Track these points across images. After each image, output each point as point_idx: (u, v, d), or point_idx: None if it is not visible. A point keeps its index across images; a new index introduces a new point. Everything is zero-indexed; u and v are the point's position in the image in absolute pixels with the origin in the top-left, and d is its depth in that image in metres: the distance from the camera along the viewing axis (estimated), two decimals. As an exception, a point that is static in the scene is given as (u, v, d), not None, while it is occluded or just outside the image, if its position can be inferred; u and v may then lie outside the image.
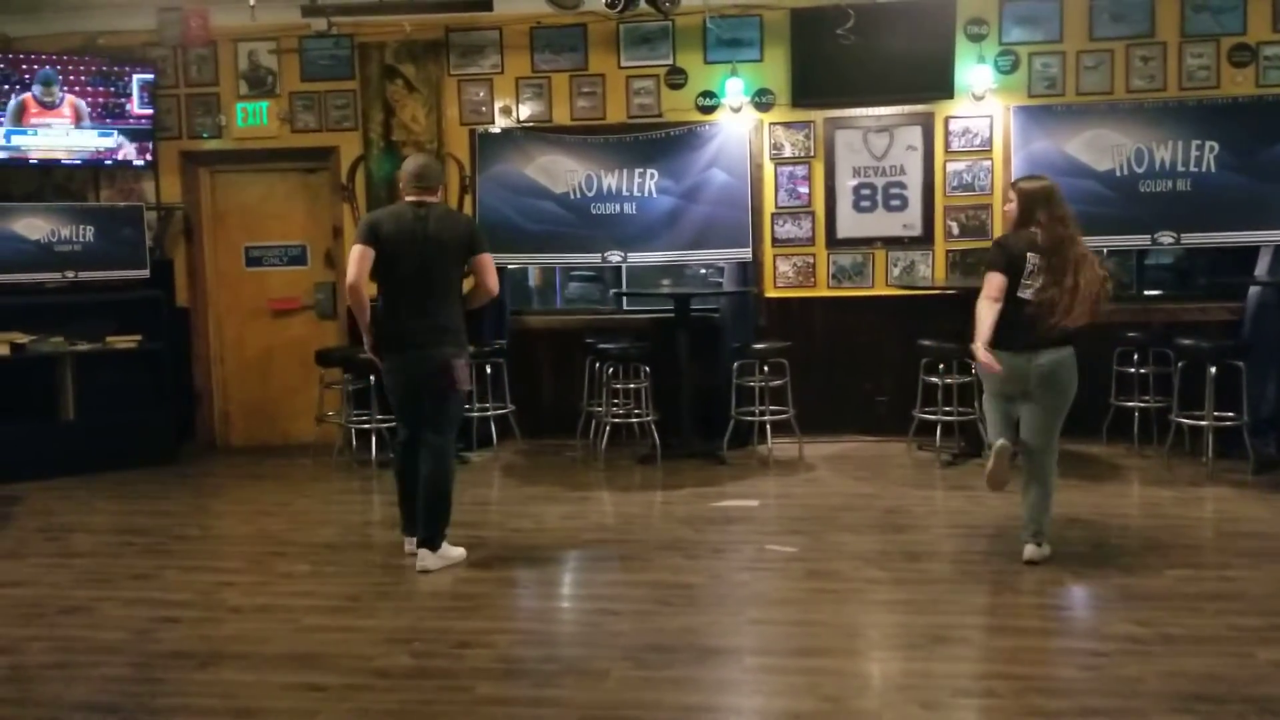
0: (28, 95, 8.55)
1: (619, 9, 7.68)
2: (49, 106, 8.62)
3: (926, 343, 8.03)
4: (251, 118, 9.26)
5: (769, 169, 8.89)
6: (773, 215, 8.91)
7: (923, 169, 8.73)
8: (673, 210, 8.89)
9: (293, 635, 4.86)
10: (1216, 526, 6.50)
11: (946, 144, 8.71)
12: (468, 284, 5.90)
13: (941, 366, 7.88)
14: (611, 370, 8.35)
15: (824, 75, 8.65)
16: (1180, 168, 8.34)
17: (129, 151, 8.92)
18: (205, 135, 9.30)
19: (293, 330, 9.47)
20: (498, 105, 9.09)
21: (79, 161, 8.87)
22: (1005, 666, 4.39)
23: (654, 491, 7.58)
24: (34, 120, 8.59)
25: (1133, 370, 8.22)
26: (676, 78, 8.92)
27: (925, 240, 8.77)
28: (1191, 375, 7.62)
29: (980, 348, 5.31)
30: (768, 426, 8.32)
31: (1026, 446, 5.47)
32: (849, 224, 8.85)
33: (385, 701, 4.13)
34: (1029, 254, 5.35)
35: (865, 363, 8.86)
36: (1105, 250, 8.54)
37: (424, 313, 5.62)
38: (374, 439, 8.35)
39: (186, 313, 9.36)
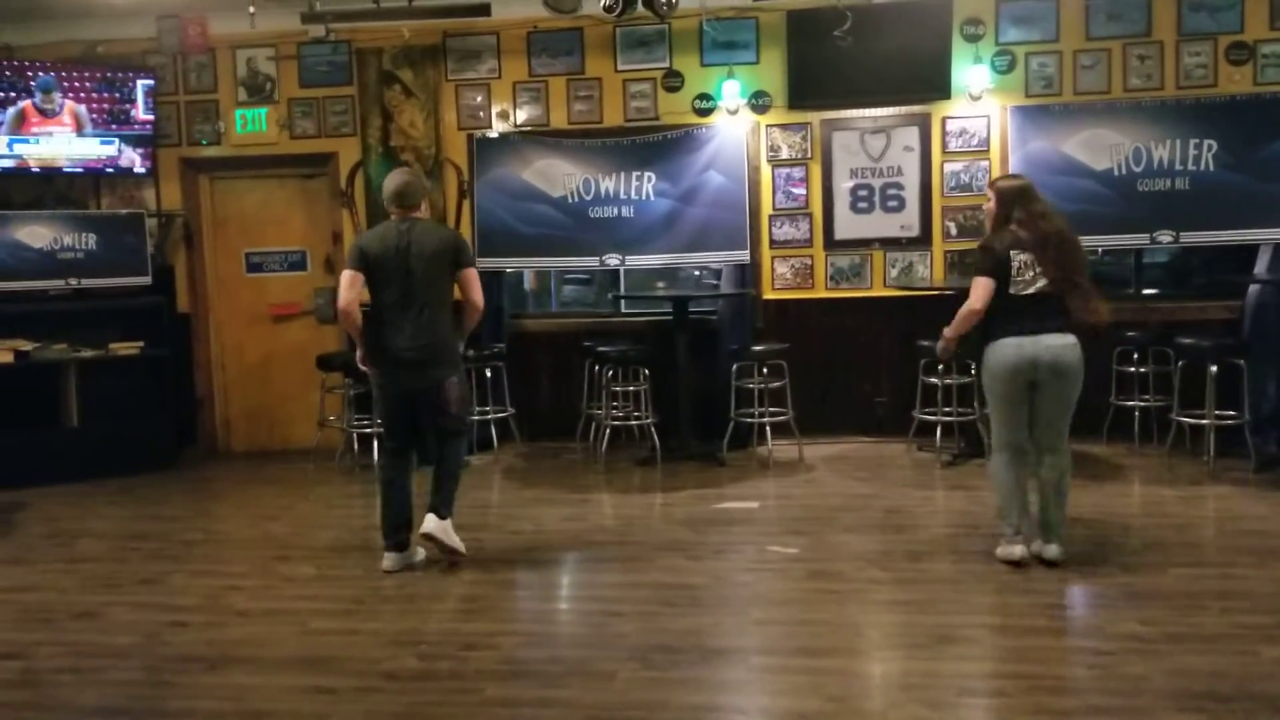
0: (28, 104, 8.57)
1: (616, 13, 7.72)
2: (49, 114, 8.63)
3: (925, 343, 7.99)
4: (250, 124, 9.29)
5: (766, 171, 8.92)
6: (770, 217, 8.94)
7: (920, 170, 8.76)
8: (670, 213, 8.91)
9: (300, 638, 4.89)
10: (1219, 525, 6.50)
11: (944, 144, 8.74)
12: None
13: (941, 367, 7.90)
14: (611, 373, 8.37)
15: (820, 77, 8.67)
16: (1178, 166, 8.37)
17: (130, 159, 8.94)
18: (204, 142, 9.32)
19: (293, 335, 9.49)
20: (495, 110, 9.12)
21: (80, 169, 8.88)
22: (1010, 666, 4.40)
23: (654, 493, 7.59)
24: (35, 129, 8.61)
25: (1132, 370, 8.24)
26: (673, 80, 8.95)
27: (923, 241, 8.80)
28: (1191, 374, 7.66)
29: (949, 335, 5.62)
30: (767, 428, 8.34)
31: (1041, 445, 5.47)
32: (846, 225, 8.88)
33: (395, 703, 4.15)
34: (1013, 252, 5.39)
35: (864, 364, 8.90)
36: (1099, 250, 8.60)
37: (414, 330, 5.62)
38: (376, 443, 8.35)
39: (187, 319, 9.39)
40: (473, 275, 5.77)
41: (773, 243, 8.95)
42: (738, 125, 8.86)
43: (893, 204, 8.81)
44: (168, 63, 9.22)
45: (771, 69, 8.84)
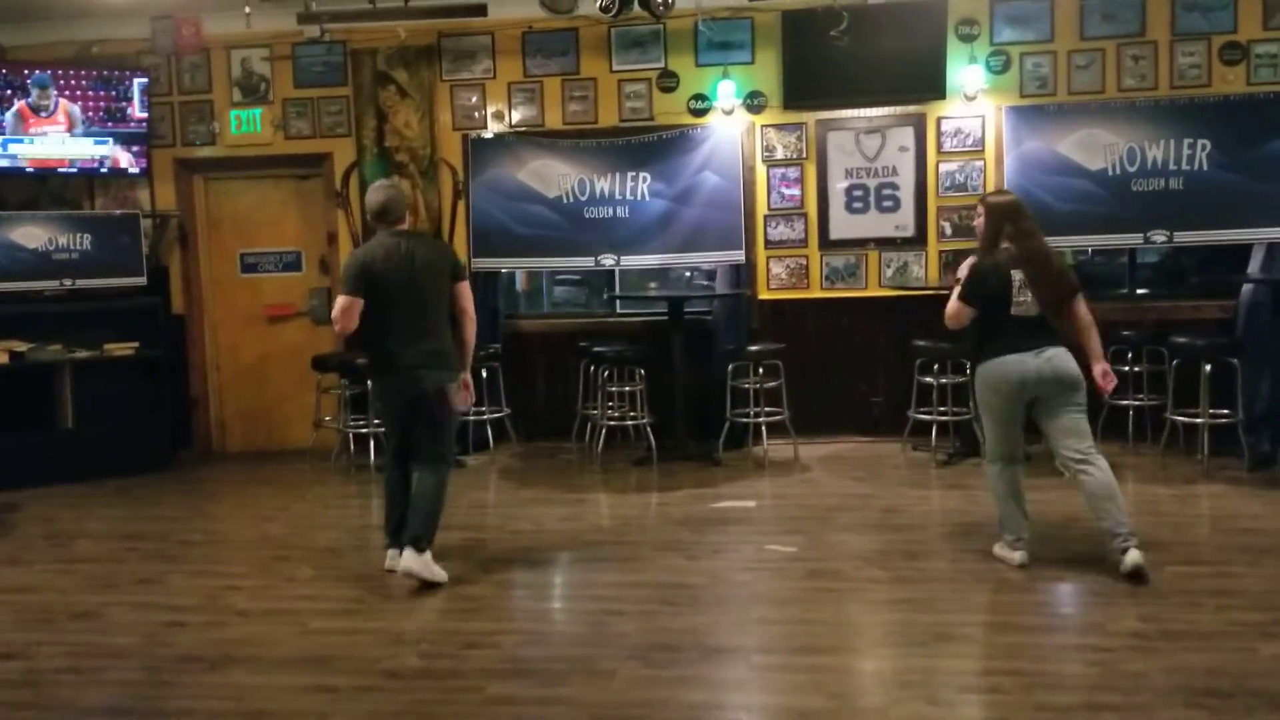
0: (23, 103, 8.55)
1: (613, 12, 7.73)
2: (43, 113, 8.61)
3: (920, 343, 8.07)
4: (245, 125, 9.28)
5: (761, 171, 8.93)
6: (765, 217, 8.95)
7: (915, 170, 8.77)
8: (665, 213, 8.92)
9: (300, 638, 4.89)
10: (1213, 523, 6.52)
11: (938, 145, 8.75)
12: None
13: (936, 367, 7.92)
14: (606, 373, 8.38)
15: (815, 77, 8.68)
16: (1172, 166, 8.39)
17: (124, 159, 8.92)
18: (199, 143, 9.31)
19: (288, 336, 9.47)
20: (490, 110, 9.12)
21: (75, 169, 8.86)
22: (1009, 662, 4.40)
23: (650, 493, 7.60)
24: (31, 129, 8.59)
25: (1126, 369, 8.26)
26: (668, 81, 8.96)
27: (918, 241, 8.81)
28: (1186, 373, 7.68)
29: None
30: (763, 428, 8.35)
31: (1074, 458, 5.36)
32: (841, 225, 8.89)
33: (396, 702, 4.15)
34: (1012, 273, 5.42)
35: (859, 364, 8.91)
36: (1089, 250, 8.63)
37: (418, 339, 5.59)
38: (372, 443, 8.36)
39: (182, 320, 9.37)
40: (467, 288, 5.82)
41: (768, 243, 8.96)
42: (733, 125, 8.87)
43: (888, 204, 8.82)
44: (162, 63, 9.20)
45: (766, 69, 8.85)
